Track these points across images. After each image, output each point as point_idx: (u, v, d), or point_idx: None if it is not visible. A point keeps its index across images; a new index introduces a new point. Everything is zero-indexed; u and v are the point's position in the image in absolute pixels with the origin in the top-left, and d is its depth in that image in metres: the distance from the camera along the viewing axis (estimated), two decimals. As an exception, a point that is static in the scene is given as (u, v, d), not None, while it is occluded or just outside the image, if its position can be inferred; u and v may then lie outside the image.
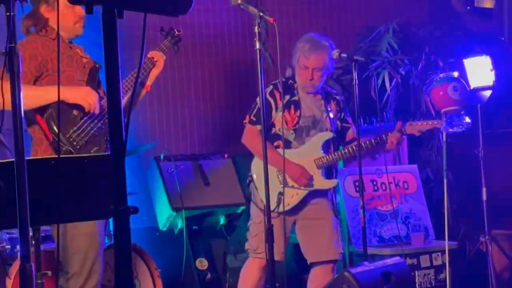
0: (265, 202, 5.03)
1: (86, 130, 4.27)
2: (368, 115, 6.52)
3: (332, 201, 5.37)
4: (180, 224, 6.25)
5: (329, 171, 5.31)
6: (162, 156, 6.38)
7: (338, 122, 5.37)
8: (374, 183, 6.35)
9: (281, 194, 5.03)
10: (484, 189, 6.26)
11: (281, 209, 4.98)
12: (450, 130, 5.58)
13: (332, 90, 5.49)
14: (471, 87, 6.26)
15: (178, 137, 7.02)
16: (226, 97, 7.15)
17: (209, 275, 6.35)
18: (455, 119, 5.73)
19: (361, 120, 6.35)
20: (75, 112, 4.25)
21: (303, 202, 5.21)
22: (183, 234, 6.18)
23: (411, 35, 7.19)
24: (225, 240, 6.52)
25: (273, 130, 5.23)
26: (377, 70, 6.89)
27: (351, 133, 5.42)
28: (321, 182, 5.24)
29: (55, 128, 4.18)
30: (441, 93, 5.91)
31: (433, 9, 7.64)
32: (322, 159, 5.22)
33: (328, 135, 5.29)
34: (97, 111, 4.27)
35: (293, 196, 5.15)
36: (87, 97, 4.23)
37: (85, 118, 4.27)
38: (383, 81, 6.88)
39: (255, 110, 5.22)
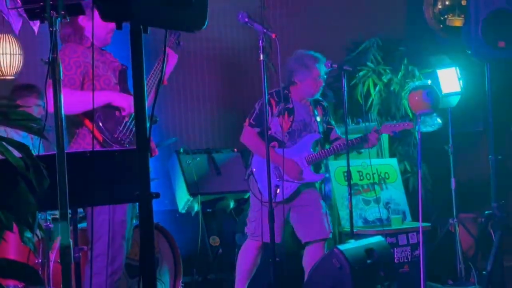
0: (262, 192, 5.10)
1: (130, 127, 4.16)
2: (356, 116, 6.50)
3: (321, 190, 5.40)
4: (196, 207, 6.24)
5: (318, 166, 5.34)
6: (181, 150, 6.38)
7: (324, 125, 5.39)
8: (360, 173, 6.33)
9: (277, 186, 5.08)
10: (453, 179, 6.26)
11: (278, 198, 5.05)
12: (424, 129, 5.57)
13: (319, 97, 5.48)
14: (443, 93, 6.24)
15: (195, 134, 7.02)
16: (237, 100, 7.14)
17: (220, 251, 6.34)
18: (428, 120, 5.71)
19: (350, 120, 6.34)
20: (117, 113, 4.16)
21: (296, 193, 5.21)
22: (199, 215, 6.17)
23: (392, 49, 7.17)
24: (234, 221, 6.52)
25: (269, 132, 5.23)
26: (363, 78, 6.87)
27: (334, 134, 5.46)
28: (311, 176, 5.26)
29: (103, 128, 4.09)
30: (416, 98, 5.88)
31: (411, 27, 7.62)
32: (312, 156, 5.25)
33: (316, 136, 5.31)
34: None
35: (287, 188, 5.15)
36: (131, 105, 4.06)
37: (128, 118, 4.18)
38: (368, 87, 6.87)
39: (254, 115, 5.26)
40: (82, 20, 4.19)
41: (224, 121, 7.09)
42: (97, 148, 4.08)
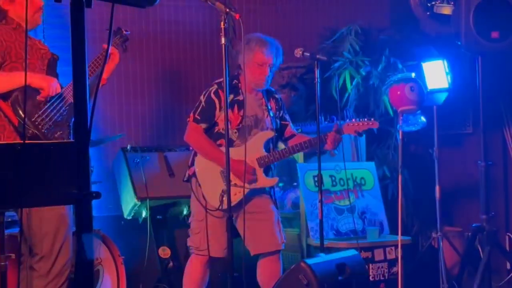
0: (207, 199, 5.05)
1: (50, 115, 4.29)
2: (329, 113, 6.51)
3: (270, 194, 5.34)
4: (145, 213, 6.21)
5: (268, 169, 5.27)
6: (129, 147, 6.33)
7: (277, 120, 5.34)
8: (333, 178, 6.34)
9: (224, 192, 4.98)
10: (437, 188, 6.29)
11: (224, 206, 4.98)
12: (406, 128, 5.60)
13: (271, 88, 5.42)
14: (428, 89, 6.28)
15: (145, 129, 6.98)
16: (193, 92, 7.11)
17: (171, 263, 6.32)
18: (411, 118, 5.76)
19: (322, 117, 6.35)
20: (38, 97, 4.26)
21: (245, 198, 5.07)
22: (147, 223, 6.14)
23: (372, 38, 7.21)
24: (188, 230, 6.49)
25: (216, 129, 5.17)
26: (339, 70, 6.89)
27: (289, 130, 5.41)
28: (263, 181, 5.20)
29: (21, 112, 4.18)
30: (398, 92, 5.93)
31: (394, 13, 7.66)
32: (265, 158, 5.17)
33: (270, 134, 5.24)
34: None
35: (235, 194, 5.04)
36: (50, 86, 4.27)
37: (48, 104, 4.29)
38: (344, 80, 6.89)
39: (200, 109, 5.17)
40: (4, 3, 4.40)
41: (179, 115, 7.06)
42: (12, 135, 4.21)
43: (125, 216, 6.31)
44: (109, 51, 4.58)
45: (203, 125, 5.15)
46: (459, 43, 5.86)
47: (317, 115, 5.25)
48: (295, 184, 6.62)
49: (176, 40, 7.10)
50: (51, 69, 4.43)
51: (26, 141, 3.81)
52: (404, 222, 6.67)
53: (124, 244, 5.92)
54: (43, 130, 4.22)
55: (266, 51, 5.19)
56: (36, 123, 4.23)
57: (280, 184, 6.57)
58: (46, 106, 4.28)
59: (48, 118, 4.27)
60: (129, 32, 4.92)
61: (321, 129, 5.22)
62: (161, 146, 6.60)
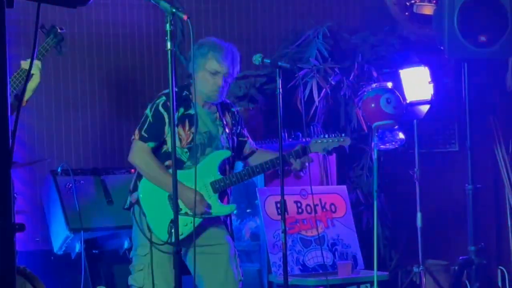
0: (153, 230, 5.02)
1: None
2: (294, 128, 6.54)
3: (226, 223, 5.31)
4: (78, 247, 6.18)
5: (223, 194, 5.25)
6: (59, 170, 6.30)
7: (234, 137, 5.31)
8: (298, 205, 6.35)
9: (173, 222, 4.90)
10: (419, 214, 6.34)
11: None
12: (382, 146, 5.63)
13: (227, 100, 5.40)
14: (407, 101, 6.34)
15: (78, 149, 6.95)
16: (135, 105, 7.10)
17: (109, 306, 6.30)
18: (387, 134, 5.79)
19: (286, 134, 6.37)
20: None
21: (196, 230, 5.03)
22: (81, 258, 6.11)
23: (342, 42, 7.25)
24: (129, 266, 6.47)
25: (164, 148, 5.12)
26: (305, 79, 6.91)
27: (248, 147, 5.40)
28: (218, 208, 5.18)
29: None
30: (372, 105, 5.96)
31: (368, 14, 7.73)
32: (220, 182, 5.14)
33: (226, 153, 5.21)
34: None
35: (186, 225, 4.99)
36: None
37: None
38: (311, 91, 6.91)
39: (146, 125, 5.10)
40: None
41: (118, 131, 7.05)
42: None
43: (55, 250, 6.28)
44: (32, 65, 4.39)
45: (151, 144, 5.10)
46: (442, 47, 5.92)
47: (279, 131, 5.26)
48: (253, 211, 6.62)
49: (115, 44, 7.08)
50: None
51: None
52: (381, 255, 6.70)
53: (55, 284, 5.89)
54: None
55: (220, 58, 5.14)
56: None
57: (235, 212, 6.56)
58: None
59: None
60: (64, 30, 4.78)
61: (284, 148, 5.22)
62: (97, 169, 6.57)
